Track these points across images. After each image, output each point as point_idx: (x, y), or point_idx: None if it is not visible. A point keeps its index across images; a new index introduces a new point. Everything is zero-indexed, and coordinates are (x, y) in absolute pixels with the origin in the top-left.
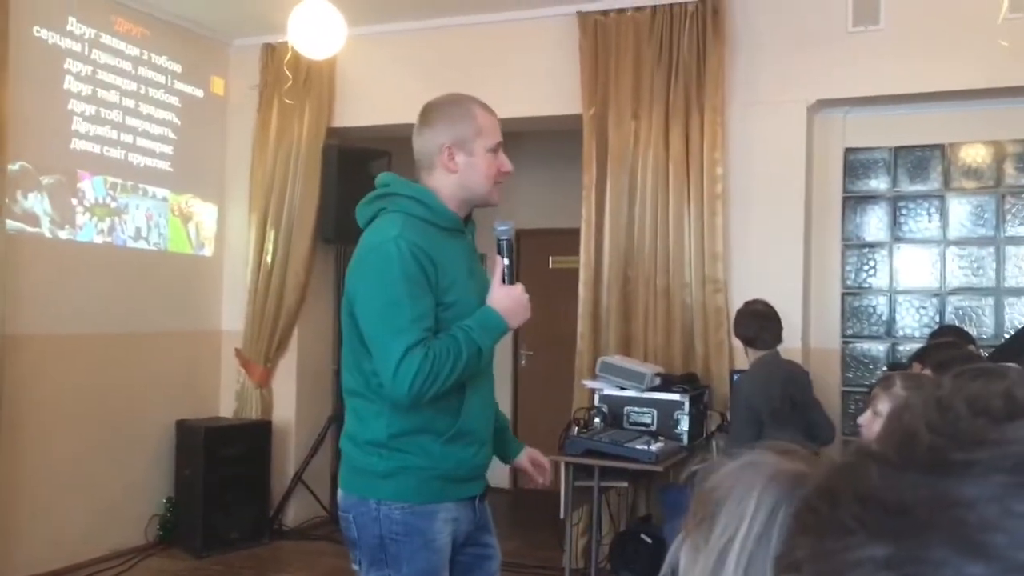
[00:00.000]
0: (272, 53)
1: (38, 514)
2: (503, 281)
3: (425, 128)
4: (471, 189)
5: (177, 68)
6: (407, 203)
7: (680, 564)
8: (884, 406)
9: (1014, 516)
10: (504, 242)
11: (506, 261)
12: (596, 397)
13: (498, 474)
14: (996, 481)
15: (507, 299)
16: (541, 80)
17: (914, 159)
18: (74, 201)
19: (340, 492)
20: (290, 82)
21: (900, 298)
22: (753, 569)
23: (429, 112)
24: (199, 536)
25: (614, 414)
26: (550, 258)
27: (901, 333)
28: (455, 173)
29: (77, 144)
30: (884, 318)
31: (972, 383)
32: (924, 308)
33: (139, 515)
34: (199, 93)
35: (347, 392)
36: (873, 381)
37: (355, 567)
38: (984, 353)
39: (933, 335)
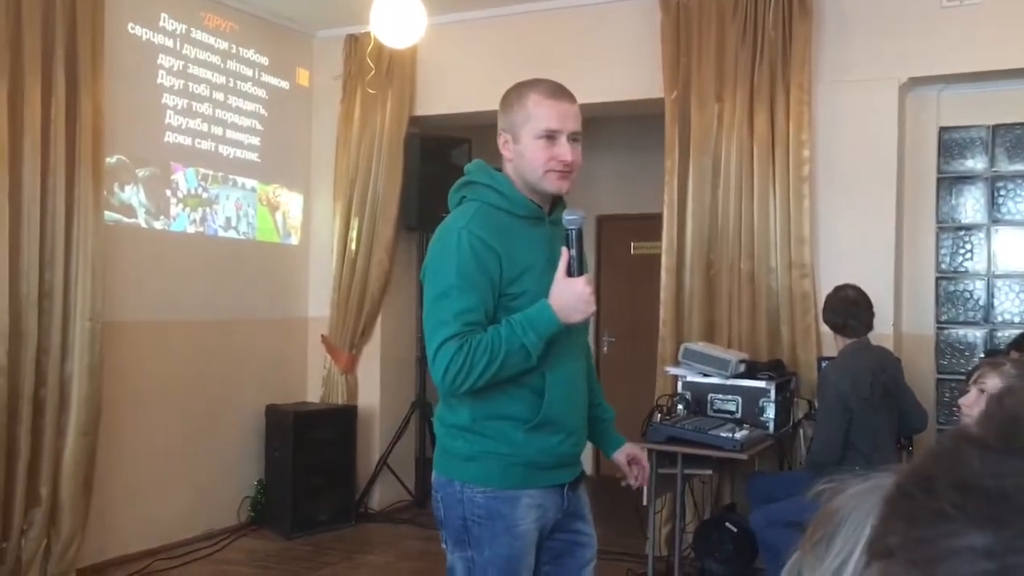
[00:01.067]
0: (355, 44)
1: (135, 495)
2: (568, 273)
3: (499, 115)
4: (525, 176)
5: (264, 61)
6: (484, 191)
7: None
8: (993, 382)
9: None
10: (572, 232)
11: (572, 252)
12: (679, 384)
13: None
14: None
15: (566, 293)
16: (622, 64)
17: (1013, 138)
18: (168, 192)
19: (433, 472)
20: (373, 72)
21: (998, 282)
22: None
23: (502, 99)
24: (288, 517)
25: (698, 401)
26: (632, 244)
27: (1000, 319)
28: (510, 162)
29: (170, 137)
30: (981, 303)
31: None
32: None
33: (232, 497)
34: (285, 85)
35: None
36: (969, 368)
37: (443, 546)
38: None
39: None
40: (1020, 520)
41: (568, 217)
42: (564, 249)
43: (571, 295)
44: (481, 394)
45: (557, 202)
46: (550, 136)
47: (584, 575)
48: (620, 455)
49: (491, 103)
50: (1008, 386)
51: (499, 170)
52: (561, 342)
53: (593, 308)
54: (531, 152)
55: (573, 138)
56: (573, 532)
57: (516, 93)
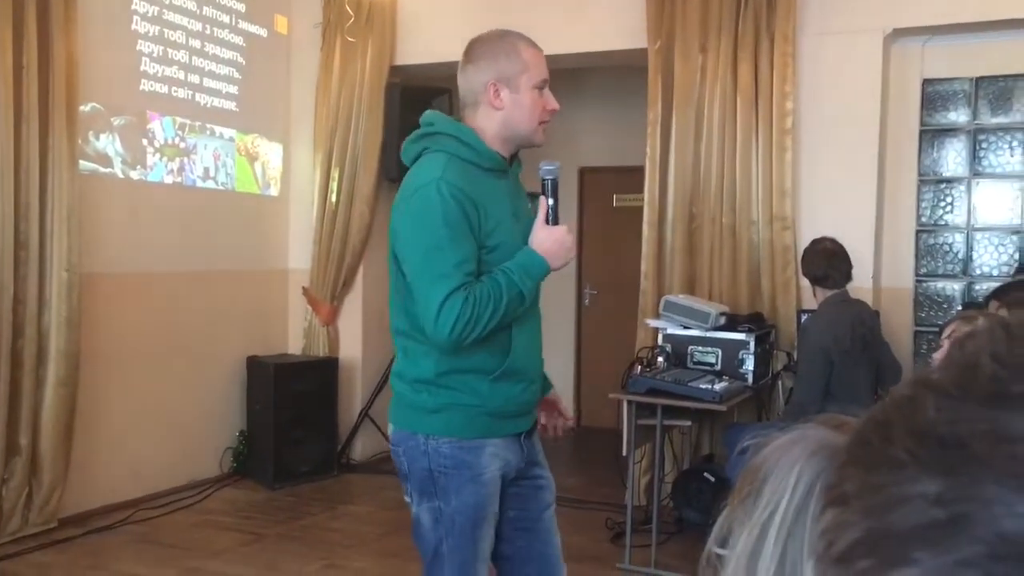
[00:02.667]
0: None
1: (117, 446)
2: (547, 222)
3: (469, 65)
4: (516, 128)
5: (241, 7)
6: (450, 142)
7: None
8: None
9: None
10: (549, 182)
11: (551, 201)
12: (660, 336)
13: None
14: None
15: (549, 240)
16: (605, 14)
17: (996, 90)
18: (144, 142)
19: (391, 427)
20: (352, 19)
21: (978, 235)
22: (792, 543)
23: (473, 49)
24: (271, 468)
25: (678, 353)
26: (614, 196)
27: (978, 272)
28: (500, 111)
29: (146, 85)
30: (960, 256)
31: None
32: (1003, 246)
33: (214, 447)
34: (263, 32)
35: (395, 332)
36: (946, 320)
37: (407, 499)
38: None
39: (1020, 269)
40: (973, 468)
41: (546, 167)
42: (542, 198)
43: (553, 242)
44: (445, 349)
45: (515, 156)
46: (542, 87)
47: (547, 516)
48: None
49: None
50: (971, 330)
51: (459, 121)
52: None
53: (574, 254)
54: (530, 102)
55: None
56: (533, 477)
57: (505, 42)
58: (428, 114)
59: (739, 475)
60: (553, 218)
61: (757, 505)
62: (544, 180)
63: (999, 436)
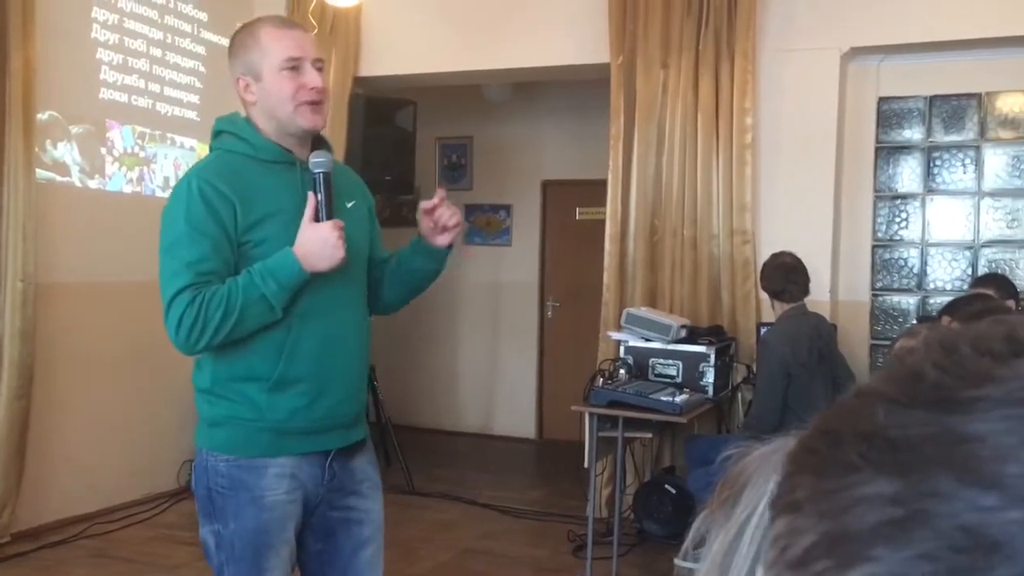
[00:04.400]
0: (297, 2)
1: (72, 459)
2: (316, 219)
3: (229, 67)
4: (275, 116)
5: (203, 17)
6: (229, 139)
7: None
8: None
9: None
10: (319, 175)
11: (320, 196)
12: (621, 349)
13: (523, 423)
14: (1007, 414)
15: (311, 239)
16: (568, 29)
17: (950, 108)
18: (103, 151)
19: None
20: (315, 31)
21: (932, 250)
22: (765, 545)
23: (229, 47)
24: None
25: (639, 366)
26: (577, 209)
27: (932, 286)
28: (255, 104)
29: (105, 94)
30: (915, 271)
31: (975, 326)
32: (956, 261)
33: (172, 460)
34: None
35: None
36: (898, 334)
37: (199, 518)
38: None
39: (975, 283)
40: (926, 467)
41: (314, 160)
42: (310, 194)
43: (316, 241)
44: (223, 352)
45: (317, 144)
46: (294, 67)
47: (363, 555)
48: (425, 229)
49: (437, 65)
50: (910, 346)
51: (246, 119)
52: (319, 292)
53: (341, 255)
54: (277, 86)
55: (317, 66)
56: (345, 508)
57: (245, 32)
58: (220, 117)
59: (719, 483)
60: (325, 214)
61: (735, 509)
62: (315, 174)
63: (951, 438)
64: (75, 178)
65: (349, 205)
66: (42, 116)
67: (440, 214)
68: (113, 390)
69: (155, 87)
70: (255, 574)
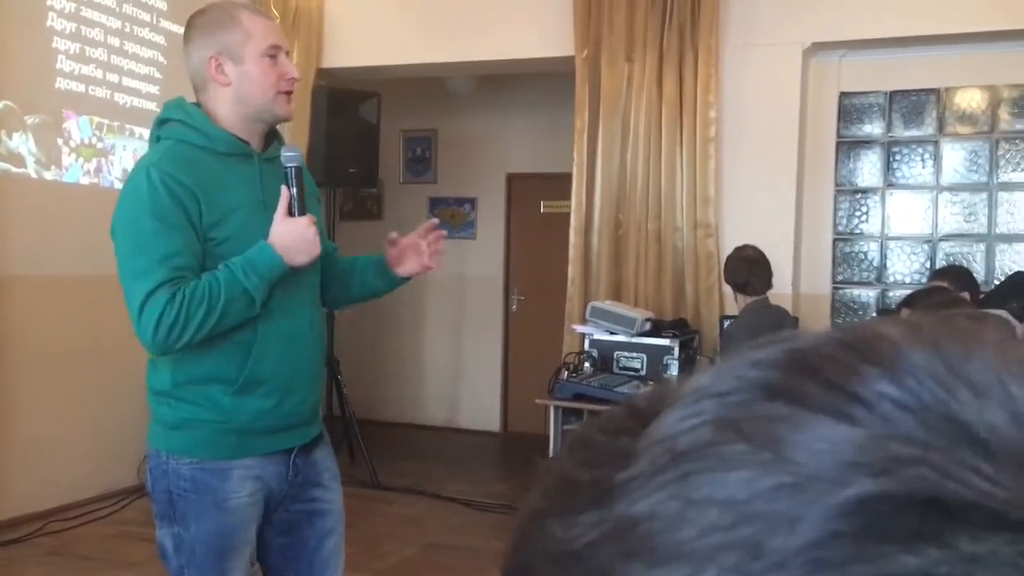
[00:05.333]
0: None
1: (31, 454)
2: (289, 213)
3: (188, 44)
4: (250, 102)
5: (162, 6)
6: (180, 128)
7: None
8: None
9: (694, 504)
10: (291, 169)
11: (293, 191)
12: (586, 342)
13: (488, 417)
14: (663, 480)
15: (288, 234)
16: (533, 22)
17: (909, 104)
18: (60, 141)
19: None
20: (277, 20)
21: (892, 244)
22: None
23: (189, 25)
24: None
25: (604, 359)
26: (541, 203)
27: (892, 279)
28: (228, 86)
29: (62, 83)
30: (875, 264)
31: (597, 419)
32: (916, 254)
33: (132, 456)
34: None
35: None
36: None
37: (156, 521)
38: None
39: (934, 275)
40: (614, 564)
41: (286, 154)
42: (284, 188)
43: (294, 235)
44: (182, 353)
45: (272, 139)
46: (273, 55)
47: (327, 545)
48: (390, 256)
49: (401, 57)
50: (548, 460)
51: (196, 106)
52: (283, 290)
53: (318, 250)
54: (259, 72)
55: (287, 56)
56: (308, 501)
57: (220, 12)
58: (169, 100)
59: None
60: (298, 209)
61: None
62: (287, 168)
63: (625, 526)
64: (31, 169)
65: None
66: None
67: (422, 244)
68: (71, 384)
69: (113, 77)
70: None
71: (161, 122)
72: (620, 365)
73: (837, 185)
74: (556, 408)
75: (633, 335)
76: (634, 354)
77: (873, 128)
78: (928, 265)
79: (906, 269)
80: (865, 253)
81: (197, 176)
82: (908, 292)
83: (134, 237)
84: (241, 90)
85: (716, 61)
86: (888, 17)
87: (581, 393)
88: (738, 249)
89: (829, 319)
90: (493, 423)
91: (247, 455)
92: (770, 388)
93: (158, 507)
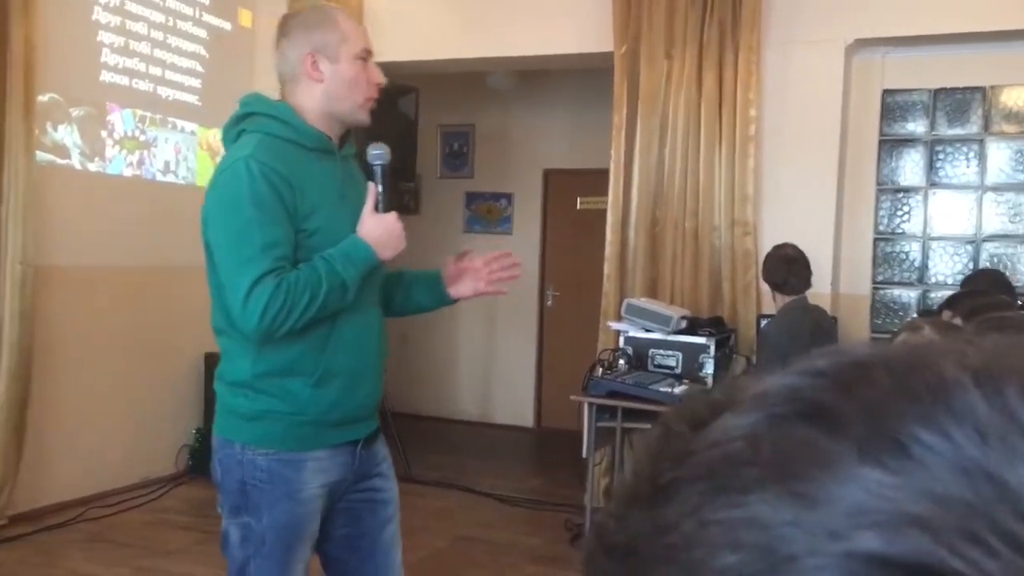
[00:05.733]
0: None
1: (71, 443)
2: (376, 209)
3: (284, 39)
4: (339, 100)
5: (205, 0)
6: (267, 122)
7: None
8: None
9: (708, 525)
10: (378, 167)
11: (380, 188)
12: (621, 339)
13: (521, 412)
14: (694, 492)
15: (378, 228)
16: (572, 17)
17: (954, 102)
18: (103, 133)
19: (213, 433)
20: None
21: (934, 244)
22: None
23: (286, 23)
24: None
25: (639, 356)
26: (578, 199)
27: (933, 280)
28: (321, 83)
29: (106, 76)
30: (917, 264)
31: (687, 403)
32: (958, 255)
33: (170, 445)
34: (227, 26)
35: (214, 330)
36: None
37: (219, 510)
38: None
39: (967, 280)
40: (643, 568)
41: (373, 152)
42: (371, 184)
43: (383, 230)
44: (266, 346)
45: (346, 137)
46: (364, 59)
47: (387, 533)
48: (450, 270)
49: (439, 52)
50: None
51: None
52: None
53: (404, 245)
54: (353, 74)
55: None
56: (369, 491)
57: (318, 12)
58: (246, 96)
59: None
60: (384, 206)
61: None
62: (373, 166)
63: (658, 530)
64: (75, 160)
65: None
66: (43, 98)
67: (488, 269)
68: (111, 374)
69: (156, 71)
70: (283, 568)
71: (243, 116)
72: (655, 363)
73: (879, 184)
74: (590, 405)
75: (669, 333)
76: (669, 352)
77: (916, 126)
78: (971, 266)
79: (948, 270)
80: (907, 253)
81: (291, 168)
82: (950, 294)
83: (236, 226)
84: (332, 87)
85: (757, 58)
86: (933, 13)
87: (615, 390)
88: (777, 247)
89: (868, 320)
90: (527, 418)
91: (320, 447)
92: (813, 407)
93: (228, 497)
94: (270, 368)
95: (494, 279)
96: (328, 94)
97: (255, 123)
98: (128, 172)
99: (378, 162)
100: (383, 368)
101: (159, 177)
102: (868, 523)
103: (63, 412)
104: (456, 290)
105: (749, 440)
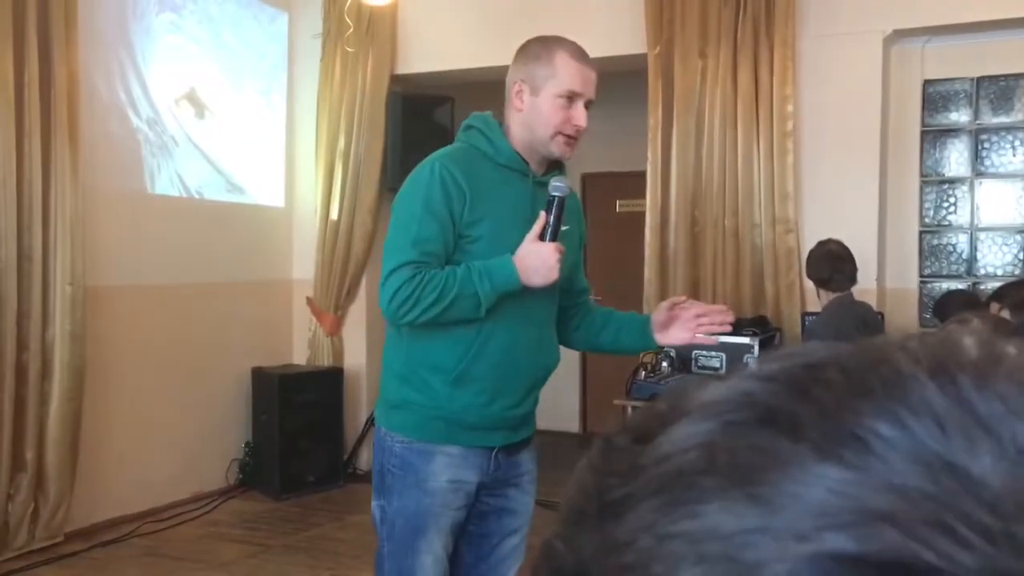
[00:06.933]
0: (333, 1)
1: (124, 459)
2: (540, 237)
3: (512, 63)
4: (533, 131)
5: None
6: (475, 136)
7: None
8: None
9: (667, 539)
10: (554, 199)
11: (550, 219)
12: None
13: (567, 417)
14: (648, 507)
15: (532, 255)
16: (604, 20)
17: (997, 90)
18: (147, 154)
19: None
20: (351, 29)
21: (982, 235)
22: None
23: (519, 49)
24: (277, 479)
25: (682, 358)
26: (617, 202)
27: (982, 272)
28: (520, 112)
29: (150, 96)
30: (964, 256)
31: (632, 416)
32: (1007, 246)
33: (220, 459)
34: (266, 51)
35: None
36: (946, 322)
37: (373, 491)
38: None
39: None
40: None
41: (555, 183)
42: (542, 213)
43: (536, 257)
44: (418, 339)
45: (555, 165)
46: (570, 97)
47: (508, 543)
48: (661, 316)
49: (473, 61)
50: (583, 461)
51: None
52: (514, 303)
53: (556, 276)
54: (548, 108)
55: (587, 105)
56: (502, 498)
57: (542, 45)
58: (474, 114)
59: None
60: (551, 236)
61: None
62: (551, 197)
63: (609, 549)
64: (122, 181)
65: (564, 228)
66: (87, 121)
67: (698, 321)
68: (161, 391)
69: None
70: (409, 553)
71: (465, 128)
72: (699, 364)
73: (922, 176)
74: (634, 409)
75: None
76: (713, 353)
77: (960, 116)
78: (1021, 256)
79: (998, 261)
80: (954, 245)
81: (471, 177)
82: (998, 285)
83: (403, 216)
84: (528, 118)
85: (792, 53)
86: (971, 1)
87: (658, 393)
88: (821, 243)
89: (916, 314)
90: (572, 424)
91: (451, 443)
92: (768, 412)
93: (374, 479)
94: (417, 361)
95: (706, 331)
96: (524, 123)
97: (467, 134)
98: (174, 192)
99: (555, 194)
100: (537, 386)
101: (206, 195)
102: (834, 523)
103: (116, 429)
104: (666, 337)
105: (704, 449)
